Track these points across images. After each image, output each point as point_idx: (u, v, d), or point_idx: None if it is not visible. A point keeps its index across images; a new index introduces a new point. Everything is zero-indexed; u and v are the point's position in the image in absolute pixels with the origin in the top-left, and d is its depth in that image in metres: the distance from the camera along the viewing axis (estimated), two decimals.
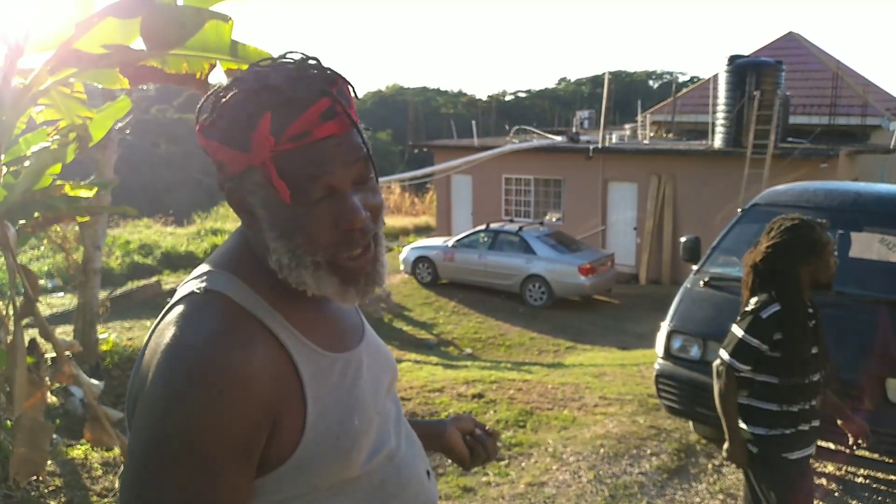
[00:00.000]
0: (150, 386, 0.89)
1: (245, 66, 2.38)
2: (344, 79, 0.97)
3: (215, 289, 0.95)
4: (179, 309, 0.94)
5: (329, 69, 0.96)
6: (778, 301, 2.63)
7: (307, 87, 0.92)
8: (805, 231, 2.66)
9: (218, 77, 2.30)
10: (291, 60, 0.96)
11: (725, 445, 2.76)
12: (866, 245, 4.57)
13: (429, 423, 1.32)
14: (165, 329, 0.92)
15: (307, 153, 0.91)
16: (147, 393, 0.89)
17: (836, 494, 4.20)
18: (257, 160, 0.91)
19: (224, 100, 0.94)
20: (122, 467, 3.92)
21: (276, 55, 1.00)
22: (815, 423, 2.70)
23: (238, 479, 0.89)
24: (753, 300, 2.70)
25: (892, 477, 4.38)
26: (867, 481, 4.42)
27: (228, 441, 0.87)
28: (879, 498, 4.22)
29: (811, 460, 2.78)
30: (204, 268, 1.01)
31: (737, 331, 2.69)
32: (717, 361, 2.74)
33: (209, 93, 0.98)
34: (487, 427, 1.39)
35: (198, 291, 0.95)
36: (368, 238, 0.98)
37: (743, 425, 2.72)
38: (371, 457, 1.02)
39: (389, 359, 1.18)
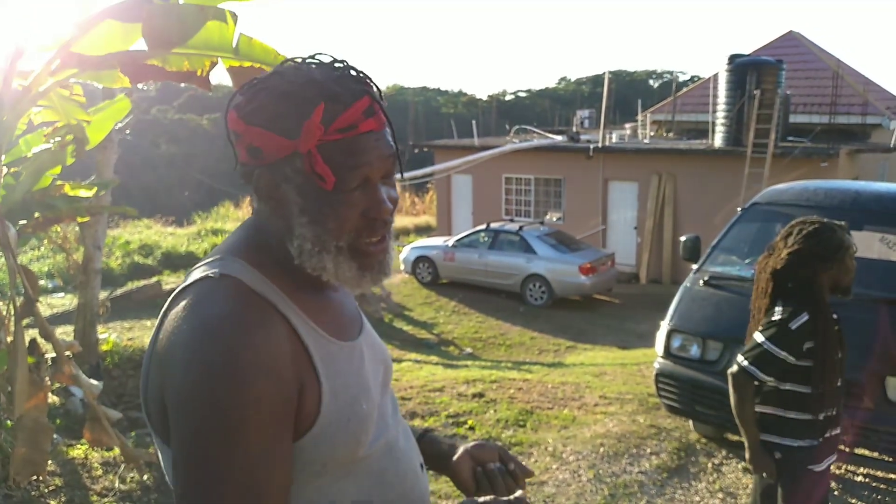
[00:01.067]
0: (183, 372, 0.91)
1: (247, 64, 2.40)
2: (372, 81, 1.03)
3: (229, 273, 0.99)
4: (194, 293, 0.98)
5: (360, 70, 1.02)
6: (806, 311, 2.55)
7: (350, 84, 0.99)
8: (827, 236, 2.57)
9: (219, 75, 2.31)
10: (322, 62, 1.02)
11: (748, 455, 2.67)
12: (866, 244, 4.56)
13: (441, 442, 1.30)
14: (183, 313, 0.95)
15: (350, 145, 0.97)
16: (180, 380, 0.91)
17: (836, 493, 4.20)
18: (304, 147, 0.96)
19: (267, 90, 0.98)
20: (121, 467, 3.93)
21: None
22: (838, 431, 2.65)
23: (283, 450, 0.94)
24: (779, 310, 2.60)
25: (892, 475, 4.38)
26: (867, 480, 4.43)
27: (273, 413, 0.91)
28: (879, 496, 4.22)
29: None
30: (214, 255, 1.04)
31: (760, 339, 2.60)
32: (734, 368, 2.65)
33: (245, 84, 1.02)
34: (513, 464, 1.23)
35: (212, 275, 0.99)
36: (387, 228, 1.05)
37: (770, 437, 2.65)
38: (372, 444, 1.06)
39: (385, 354, 1.22)
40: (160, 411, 0.96)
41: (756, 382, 2.62)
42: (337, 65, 1.01)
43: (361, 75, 1.01)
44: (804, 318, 2.54)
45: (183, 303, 0.97)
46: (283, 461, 0.94)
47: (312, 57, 1.03)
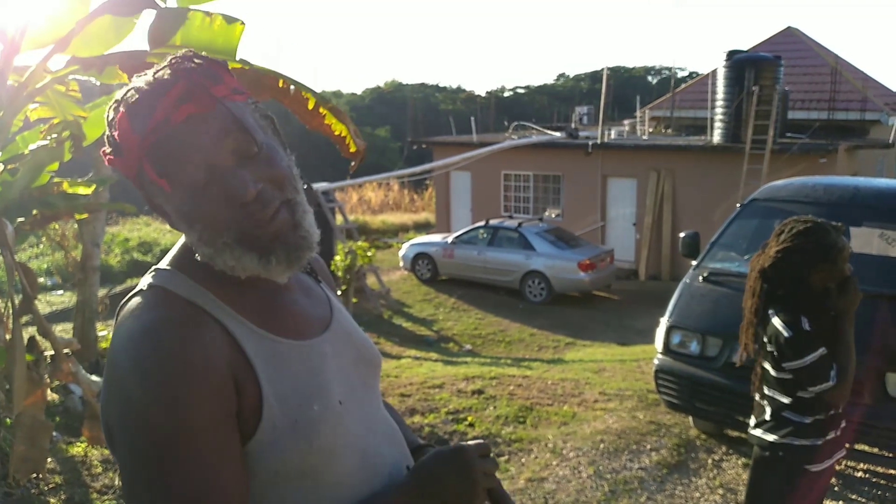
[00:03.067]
0: (116, 385, 0.91)
1: (247, 67, 2.39)
2: (211, 61, 0.97)
3: (157, 284, 0.98)
4: (127, 307, 0.98)
5: (192, 56, 0.97)
6: (802, 315, 2.49)
7: (162, 78, 0.94)
8: (818, 236, 2.51)
9: None
10: (163, 61, 0.99)
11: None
12: (865, 240, 4.56)
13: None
14: (115, 331, 0.97)
15: (172, 139, 0.92)
16: (116, 392, 0.92)
17: (836, 489, 4.21)
18: (132, 163, 0.94)
19: (107, 115, 0.97)
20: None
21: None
22: (839, 433, 2.60)
23: (230, 447, 0.91)
24: (779, 323, 2.51)
25: (892, 471, 4.39)
26: (867, 475, 4.43)
27: (208, 411, 0.89)
28: (879, 492, 4.23)
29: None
30: (154, 268, 1.04)
31: (798, 363, 2.48)
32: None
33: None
34: None
35: (144, 288, 0.99)
36: (272, 208, 0.96)
37: (770, 436, 2.61)
38: (336, 448, 1.00)
39: (365, 352, 1.16)
40: (107, 429, 0.95)
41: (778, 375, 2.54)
42: (170, 60, 0.97)
43: (188, 61, 0.95)
44: (804, 323, 2.48)
45: (118, 320, 0.98)
46: (231, 462, 0.90)
47: (164, 59, 1.00)
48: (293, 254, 0.99)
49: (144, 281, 1.01)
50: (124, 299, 1.01)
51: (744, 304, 2.73)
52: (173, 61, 0.97)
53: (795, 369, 2.49)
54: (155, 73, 0.96)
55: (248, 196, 0.94)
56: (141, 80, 0.96)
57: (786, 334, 2.49)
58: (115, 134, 0.95)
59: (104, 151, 0.99)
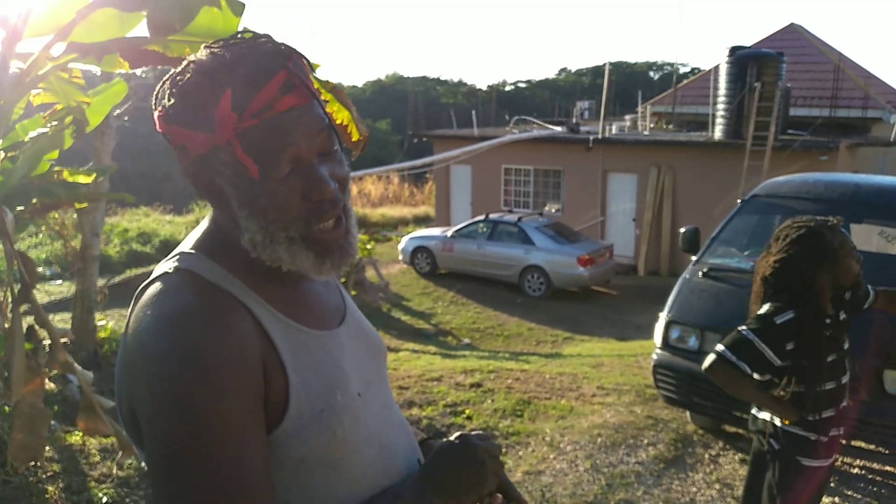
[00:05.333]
0: (145, 371, 0.89)
1: None
2: (298, 52, 0.97)
3: (186, 267, 0.96)
4: (153, 290, 0.95)
5: (282, 44, 0.96)
6: (792, 309, 2.50)
7: (263, 62, 0.92)
8: (813, 240, 2.50)
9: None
10: (243, 39, 0.96)
11: (777, 414, 2.57)
12: (866, 237, 4.56)
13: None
14: (141, 313, 0.93)
15: (270, 127, 0.91)
16: (143, 381, 0.89)
17: (833, 485, 4.22)
18: (221, 139, 0.91)
19: (181, 83, 0.93)
20: (119, 453, 3.93)
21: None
22: (835, 433, 2.58)
23: (259, 435, 0.91)
24: (766, 306, 2.56)
25: (889, 468, 4.40)
26: (863, 472, 4.44)
27: (241, 401, 0.88)
28: (875, 488, 4.24)
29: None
30: (176, 251, 1.02)
31: (741, 328, 2.54)
32: (711, 358, 2.54)
33: (164, 78, 0.97)
34: None
35: (170, 271, 0.96)
36: (339, 209, 0.99)
37: (769, 417, 2.61)
38: (356, 438, 1.01)
39: (376, 345, 1.17)
40: (130, 414, 0.94)
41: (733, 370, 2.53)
42: (254, 42, 0.95)
43: (282, 48, 0.95)
44: (789, 315, 2.48)
45: (141, 301, 0.95)
46: (260, 448, 0.90)
47: (234, 36, 0.97)
48: (343, 259, 1.00)
49: (168, 264, 0.98)
50: (145, 282, 0.99)
51: (750, 307, 2.73)
52: (267, 43, 0.95)
53: (762, 354, 2.49)
54: (250, 52, 0.93)
55: (328, 193, 0.95)
56: (234, 55, 0.93)
57: (760, 311, 2.56)
58: (207, 104, 0.90)
59: (163, 115, 0.94)
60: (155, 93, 0.98)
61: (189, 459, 0.86)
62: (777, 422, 2.61)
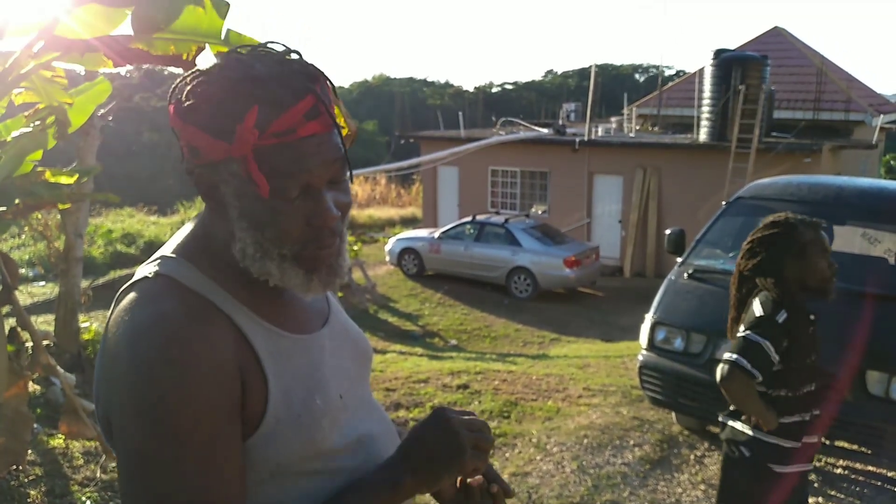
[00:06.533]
0: (119, 375, 0.89)
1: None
2: (325, 76, 0.97)
3: (166, 273, 0.96)
4: (131, 294, 0.95)
5: (312, 65, 0.96)
6: (784, 308, 2.46)
7: (293, 83, 0.91)
8: (783, 230, 2.50)
9: (207, 60, 2.26)
10: (273, 51, 0.96)
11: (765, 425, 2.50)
12: (848, 238, 4.61)
13: None
14: (120, 316, 0.93)
15: (289, 150, 0.91)
16: (118, 386, 0.89)
17: (816, 485, 4.25)
18: (238, 152, 0.90)
19: (205, 85, 0.92)
20: (103, 457, 3.90)
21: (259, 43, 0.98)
22: (814, 439, 2.56)
23: (231, 444, 0.91)
24: (758, 306, 2.49)
25: (871, 468, 4.44)
26: (846, 472, 4.48)
27: (211, 411, 0.88)
28: (858, 488, 4.28)
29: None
30: (158, 254, 1.01)
31: (744, 332, 2.49)
32: (724, 369, 2.47)
33: (186, 74, 0.96)
34: (496, 487, 1.10)
35: (149, 276, 0.96)
36: (336, 236, 0.99)
37: (741, 427, 2.56)
38: (340, 441, 1.02)
39: (361, 346, 1.17)
40: (106, 420, 0.94)
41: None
42: (285, 58, 0.94)
43: (312, 70, 0.95)
44: (784, 314, 2.46)
45: (121, 306, 0.94)
46: (232, 458, 0.90)
47: (263, 46, 0.96)
48: (331, 278, 1.01)
49: (148, 268, 0.98)
50: (126, 285, 0.98)
51: (731, 308, 2.73)
52: (298, 62, 0.94)
53: (740, 336, 2.47)
54: (280, 70, 0.92)
55: (331, 222, 0.96)
56: (264, 69, 0.91)
57: (757, 313, 2.49)
58: (230, 115, 0.90)
59: (181, 112, 0.93)
60: (173, 87, 0.96)
61: (155, 465, 0.87)
62: (748, 430, 2.55)
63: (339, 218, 0.98)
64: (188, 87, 0.94)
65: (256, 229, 0.94)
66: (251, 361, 0.94)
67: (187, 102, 0.93)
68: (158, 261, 0.98)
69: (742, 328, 2.54)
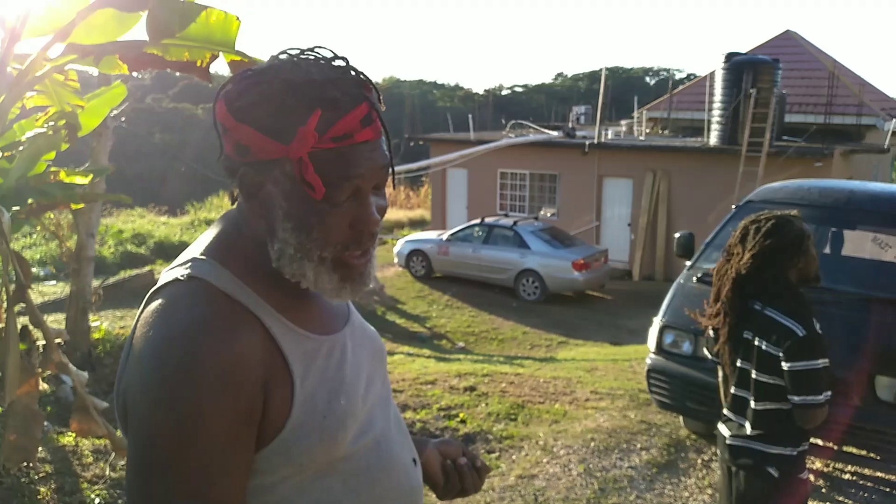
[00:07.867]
0: (143, 379, 0.90)
1: (247, 60, 2.39)
2: (373, 83, 0.99)
3: (198, 276, 0.96)
4: (163, 297, 0.95)
5: (362, 71, 0.98)
6: (808, 311, 2.41)
7: (350, 88, 0.94)
8: (787, 229, 2.46)
9: (220, 67, 2.30)
10: (323, 57, 0.97)
11: None
12: (859, 243, 4.59)
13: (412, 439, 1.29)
14: (150, 318, 0.94)
15: (344, 155, 0.93)
16: (140, 387, 0.91)
17: (824, 490, 4.23)
18: (296, 153, 0.92)
19: (263, 86, 0.93)
20: (112, 455, 3.93)
21: (303, 47, 1.00)
22: (804, 447, 2.54)
23: (242, 454, 0.92)
24: (792, 324, 2.38)
25: (880, 474, 4.42)
26: (854, 477, 4.46)
27: (228, 424, 0.89)
28: (866, 494, 4.26)
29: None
30: (188, 255, 1.01)
31: (819, 364, 2.36)
32: (815, 412, 2.36)
33: (240, 72, 0.98)
34: (479, 461, 1.28)
35: (181, 278, 0.96)
36: (374, 240, 1.02)
37: (770, 447, 2.48)
38: (357, 440, 1.03)
39: (377, 345, 1.19)
40: (125, 417, 0.96)
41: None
42: (336, 63, 0.96)
43: (362, 77, 0.97)
44: (817, 322, 2.39)
45: (151, 307, 0.95)
46: (235, 472, 0.92)
47: (311, 50, 0.97)
48: (362, 285, 1.03)
49: (180, 270, 0.97)
50: (156, 286, 0.99)
51: (707, 313, 2.69)
52: (350, 69, 0.96)
53: (801, 371, 2.36)
54: (336, 77, 0.94)
55: (373, 226, 0.99)
56: (321, 74, 0.93)
57: (800, 333, 2.37)
58: (290, 117, 0.91)
59: (234, 109, 0.94)
60: (223, 85, 0.97)
61: (162, 463, 0.88)
62: (772, 449, 2.50)
63: (379, 222, 1.00)
64: (242, 85, 0.95)
65: (301, 231, 0.96)
66: (279, 365, 0.95)
67: (241, 101, 0.94)
68: (189, 263, 0.98)
69: (790, 349, 2.38)
